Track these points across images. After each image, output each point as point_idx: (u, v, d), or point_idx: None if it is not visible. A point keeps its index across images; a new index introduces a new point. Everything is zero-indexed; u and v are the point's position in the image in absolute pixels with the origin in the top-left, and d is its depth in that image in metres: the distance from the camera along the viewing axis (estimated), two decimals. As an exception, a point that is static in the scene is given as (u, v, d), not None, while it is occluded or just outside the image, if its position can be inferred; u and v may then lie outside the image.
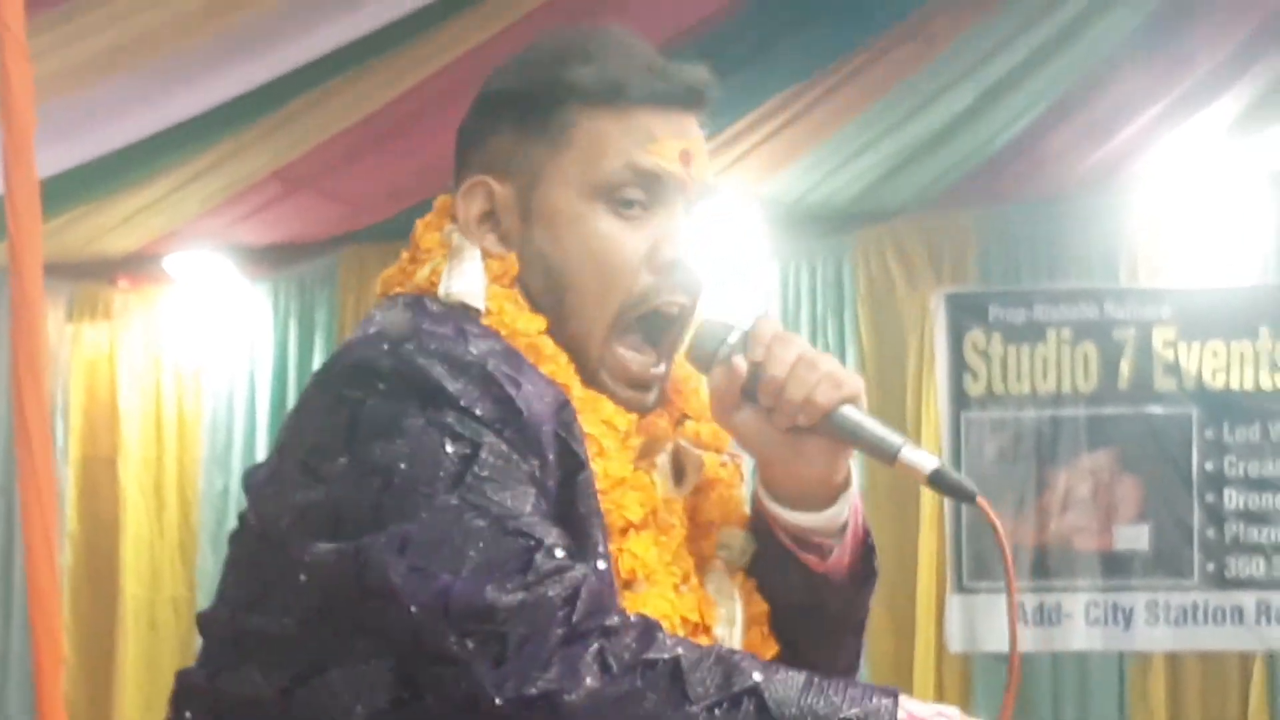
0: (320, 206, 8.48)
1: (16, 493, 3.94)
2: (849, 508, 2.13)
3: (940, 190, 8.45)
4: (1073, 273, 8.55)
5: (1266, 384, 8.38)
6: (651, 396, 2.12)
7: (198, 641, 7.61)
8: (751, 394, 2.06)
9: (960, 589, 8.42)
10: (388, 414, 1.94)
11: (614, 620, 1.87)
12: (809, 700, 1.87)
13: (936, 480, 2.03)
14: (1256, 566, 8.36)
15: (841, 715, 1.88)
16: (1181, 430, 8.41)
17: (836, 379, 2.04)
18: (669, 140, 2.09)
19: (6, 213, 3.75)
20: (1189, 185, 8.27)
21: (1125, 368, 8.45)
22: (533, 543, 1.88)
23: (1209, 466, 8.40)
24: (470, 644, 1.83)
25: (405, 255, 2.16)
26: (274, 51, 7.05)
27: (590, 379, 2.09)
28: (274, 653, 1.99)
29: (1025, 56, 7.59)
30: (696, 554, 2.12)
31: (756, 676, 1.86)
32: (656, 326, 2.11)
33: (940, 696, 8.53)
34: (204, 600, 8.73)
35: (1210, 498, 8.40)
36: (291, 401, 9.06)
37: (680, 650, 1.86)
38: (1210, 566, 8.38)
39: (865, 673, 8.37)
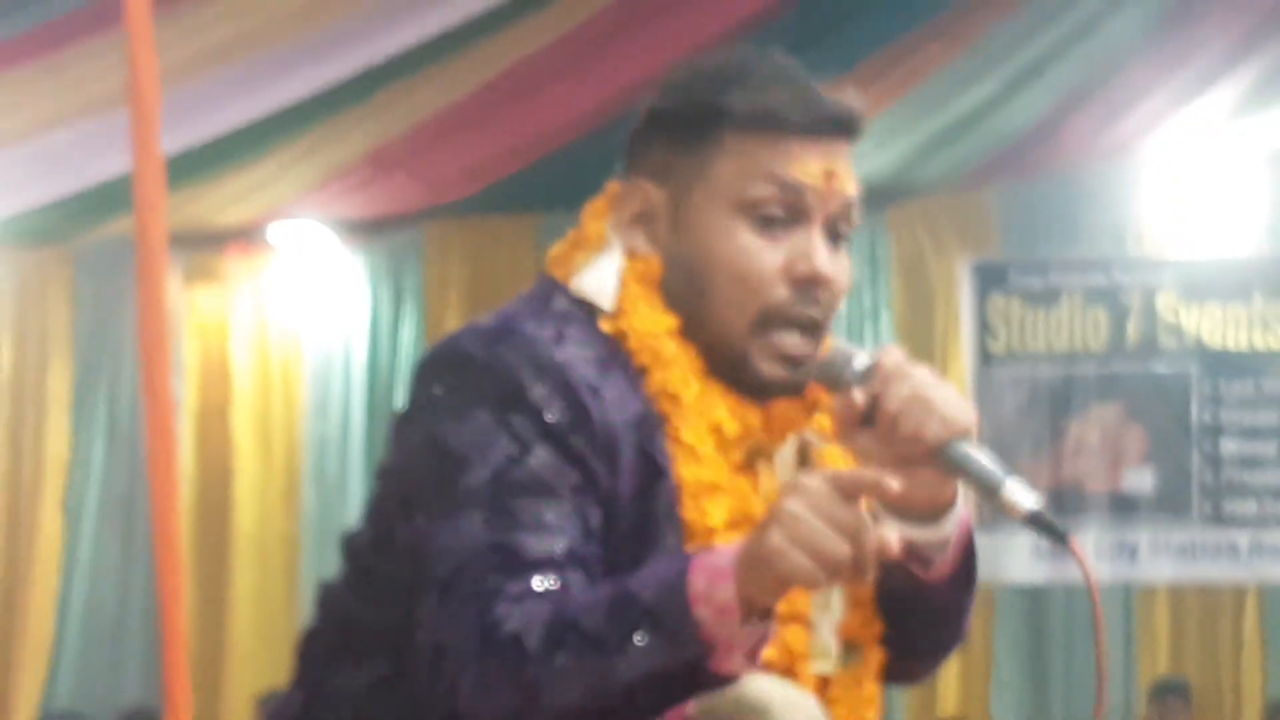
0: (408, 185, 8.48)
1: (144, 441, 3.93)
2: (955, 523, 2.04)
3: (967, 170, 8.44)
4: (1085, 243, 8.53)
5: (1259, 343, 8.36)
6: (802, 373, 2.03)
7: (303, 572, 7.64)
8: (870, 421, 1.97)
9: (983, 526, 8.37)
10: (465, 402, 1.93)
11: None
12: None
13: (1034, 521, 1.94)
14: (1249, 507, 8.35)
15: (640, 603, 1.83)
16: (1182, 385, 8.39)
17: (947, 417, 1.94)
18: (814, 160, 2.03)
19: (134, 189, 3.74)
20: (1191, 164, 8.25)
21: (1132, 329, 8.43)
22: (511, 563, 1.87)
23: (1207, 417, 8.38)
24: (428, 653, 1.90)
25: (571, 235, 2.10)
26: (365, 46, 7.06)
27: (739, 363, 2.02)
28: (393, 590, 1.99)
29: (1044, 50, 7.57)
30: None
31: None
32: (796, 328, 2.03)
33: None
34: (308, 536, 8.78)
35: (1208, 445, 8.38)
36: (383, 359, 9.17)
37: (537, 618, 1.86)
38: (1208, 507, 8.36)
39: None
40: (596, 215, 2.09)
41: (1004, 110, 7.90)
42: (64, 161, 7.54)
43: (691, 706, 1.85)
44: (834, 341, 2.02)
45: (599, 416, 1.93)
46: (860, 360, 1.98)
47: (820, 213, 2.03)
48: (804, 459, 2.08)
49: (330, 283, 9.01)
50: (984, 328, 8.51)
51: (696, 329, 2.01)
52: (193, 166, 7.56)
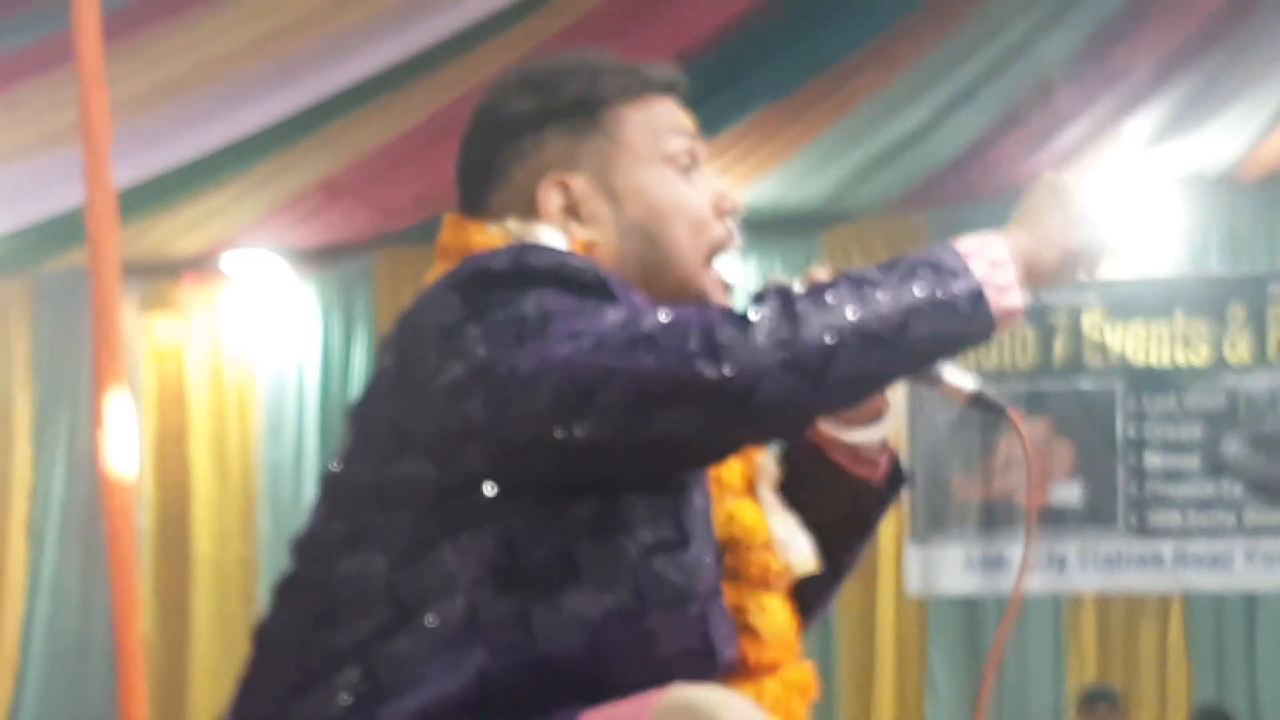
0: (359, 213, 8.46)
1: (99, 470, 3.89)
2: (889, 424, 2.18)
3: (899, 194, 8.43)
4: (1014, 265, 8.50)
5: (1181, 360, 8.36)
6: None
7: (261, 593, 7.58)
8: None
9: (917, 539, 8.41)
10: (509, 290, 1.90)
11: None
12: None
13: (976, 400, 2.10)
14: (1173, 518, 8.35)
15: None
16: (1107, 401, 8.40)
17: None
18: (681, 113, 2.16)
19: (87, 221, 3.72)
20: (1115, 187, 8.27)
21: (1058, 347, 8.44)
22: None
23: (1131, 432, 8.39)
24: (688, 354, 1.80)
25: (452, 250, 2.09)
26: (317, 78, 7.04)
27: (698, 300, 2.08)
28: (387, 538, 1.92)
29: (974, 75, 7.58)
30: (745, 476, 2.11)
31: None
32: (724, 256, 2.14)
33: (899, 635, 8.51)
34: (265, 558, 8.75)
35: (1132, 459, 8.39)
36: (335, 384, 9.14)
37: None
38: (1133, 519, 8.37)
39: (832, 613, 8.39)
40: (477, 229, 2.09)
41: (936, 135, 7.91)
42: (23, 193, 7.49)
43: (646, 713, 1.81)
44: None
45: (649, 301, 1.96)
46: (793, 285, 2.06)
47: (705, 160, 2.16)
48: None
49: (283, 310, 8.98)
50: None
51: (653, 286, 2.04)
52: (148, 197, 7.53)
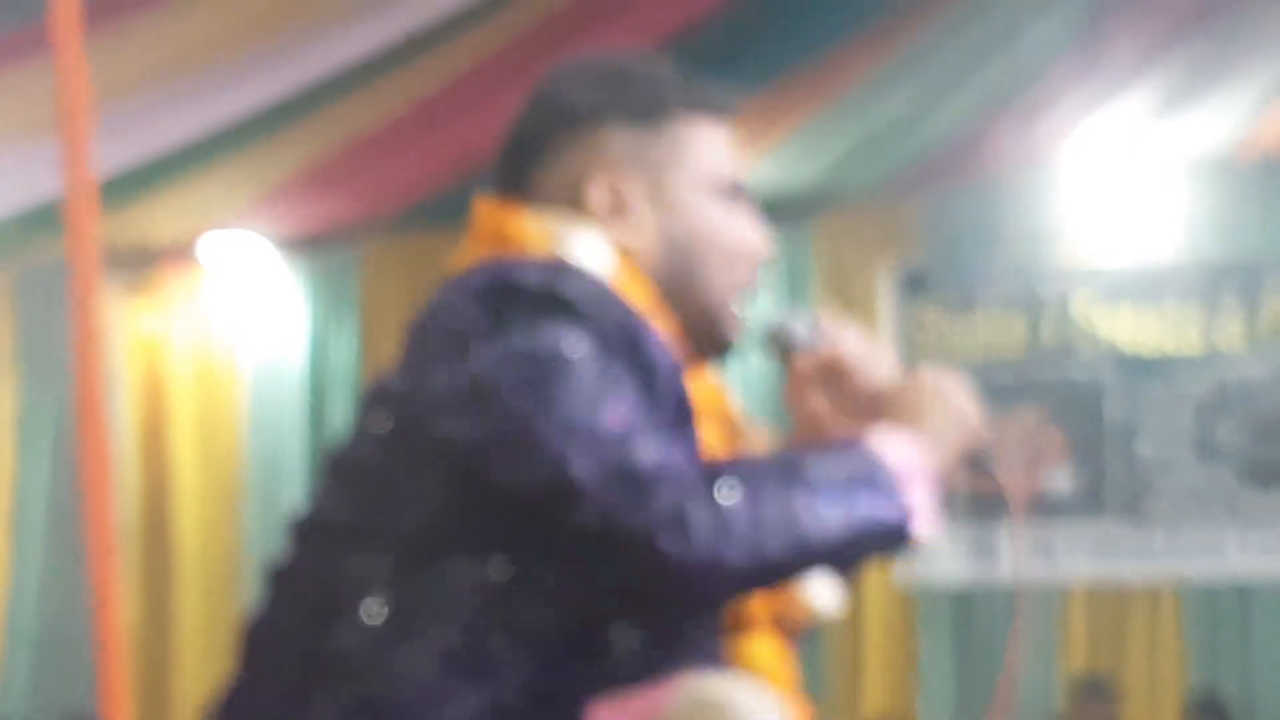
0: (344, 201, 8.43)
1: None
2: None
3: (890, 179, 8.39)
4: (1008, 250, 8.50)
5: (1172, 347, 8.36)
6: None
7: (248, 584, 7.48)
8: (826, 378, 2.12)
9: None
10: (533, 315, 1.89)
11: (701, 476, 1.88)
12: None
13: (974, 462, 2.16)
14: (1164, 505, 8.32)
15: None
16: (1098, 388, 8.39)
17: (893, 364, 2.12)
18: (735, 148, 2.16)
19: (65, 210, 3.66)
20: (1104, 172, 8.25)
21: (1048, 334, 8.42)
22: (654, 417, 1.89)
23: (1122, 419, 8.37)
24: (639, 515, 1.82)
25: (485, 239, 2.06)
26: (302, 64, 7.00)
27: (710, 329, 2.10)
28: (388, 549, 1.90)
29: (963, 59, 7.56)
30: None
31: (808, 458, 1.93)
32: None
33: (887, 627, 8.48)
34: (250, 548, 8.70)
35: (1123, 446, 8.37)
36: (320, 374, 9.11)
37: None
38: (1125, 506, 8.34)
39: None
40: (516, 218, 2.05)
41: (926, 120, 7.89)
42: (2, 183, 7.44)
43: (662, 699, 1.82)
44: (776, 315, 2.15)
45: (656, 343, 1.96)
46: (804, 322, 2.14)
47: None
48: None
49: (268, 299, 8.93)
50: (905, 335, 8.48)
51: (686, 301, 2.06)
52: (130, 184, 7.50)
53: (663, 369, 1.93)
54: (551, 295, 1.90)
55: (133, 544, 8.78)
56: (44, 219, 7.64)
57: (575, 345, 1.87)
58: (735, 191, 2.12)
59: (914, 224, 8.60)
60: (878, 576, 8.35)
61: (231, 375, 8.97)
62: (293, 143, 7.75)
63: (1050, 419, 8.41)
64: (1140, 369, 8.36)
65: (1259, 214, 8.36)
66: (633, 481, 1.82)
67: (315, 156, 7.93)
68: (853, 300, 8.57)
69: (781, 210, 8.41)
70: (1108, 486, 8.37)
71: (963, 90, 7.69)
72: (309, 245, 8.88)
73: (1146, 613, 8.37)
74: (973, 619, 8.46)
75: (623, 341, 1.91)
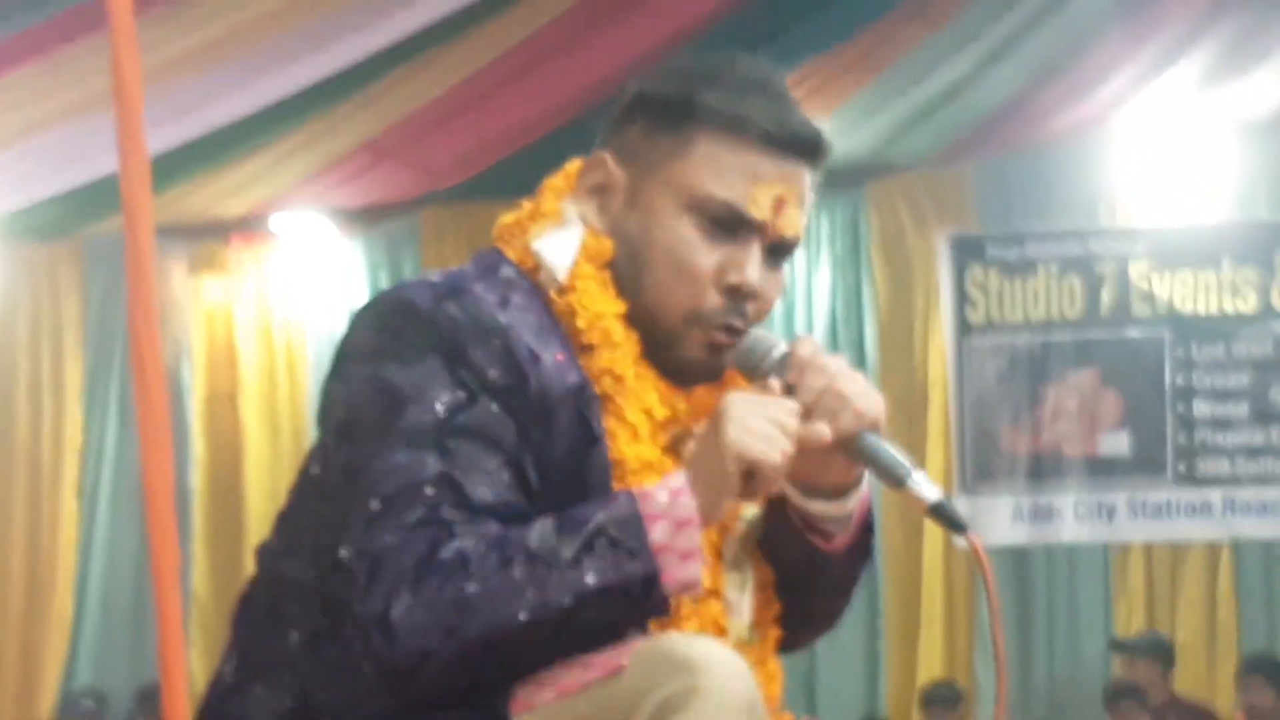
0: (403, 173, 8.42)
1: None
2: (857, 499, 2.06)
3: (943, 146, 8.34)
4: (1060, 215, 8.45)
5: (1229, 308, 8.29)
6: (723, 359, 2.02)
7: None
8: None
9: (965, 490, 8.34)
10: (412, 349, 1.91)
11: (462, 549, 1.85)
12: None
13: (936, 512, 1.95)
14: (1222, 466, 8.27)
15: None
16: (1156, 350, 8.33)
17: (860, 410, 1.94)
18: (770, 184, 2.01)
19: (121, 186, 3.65)
20: (1160, 135, 8.18)
21: (1106, 296, 8.37)
22: (453, 495, 1.86)
23: (1180, 380, 8.31)
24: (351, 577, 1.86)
25: (527, 208, 2.08)
26: (358, 38, 6.99)
27: (670, 344, 2.01)
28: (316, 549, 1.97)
29: (1015, 26, 7.50)
30: (719, 523, 2.02)
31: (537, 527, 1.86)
32: (722, 330, 2.02)
33: (948, 584, 8.43)
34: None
35: (1181, 408, 8.31)
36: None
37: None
38: (1182, 467, 8.29)
39: (879, 565, 8.27)
40: (555, 192, 2.07)
41: (978, 87, 7.83)
42: (70, 156, 7.46)
43: (625, 656, 1.82)
44: (752, 332, 2.01)
45: (535, 381, 1.92)
46: (778, 350, 1.98)
47: (758, 239, 2.02)
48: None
49: (330, 269, 8.94)
50: (963, 299, 8.44)
51: (638, 312, 2.00)
52: (195, 159, 7.53)
53: (532, 398, 1.91)
54: (431, 323, 1.92)
55: (202, 511, 8.82)
56: (113, 191, 7.64)
57: (435, 389, 1.89)
58: (727, 218, 1.99)
59: (969, 190, 8.54)
60: (936, 537, 8.31)
61: (297, 344, 9.00)
62: (352, 116, 7.74)
63: (1107, 381, 8.36)
64: (1197, 330, 8.29)
65: (1315, 175, 8.28)
66: (368, 565, 1.84)
67: (375, 129, 7.92)
68: (910, 265, 8.53)
69: (837, 176, 8.36)
70: (1165, 448, 8.31)
71: (1016, 57, 7.62)
72: (370, 216, 8.88)
73: (1203, 573, 8.31)
74: (1031, 579, 8.41)
75: (478, 377, 1.90)
